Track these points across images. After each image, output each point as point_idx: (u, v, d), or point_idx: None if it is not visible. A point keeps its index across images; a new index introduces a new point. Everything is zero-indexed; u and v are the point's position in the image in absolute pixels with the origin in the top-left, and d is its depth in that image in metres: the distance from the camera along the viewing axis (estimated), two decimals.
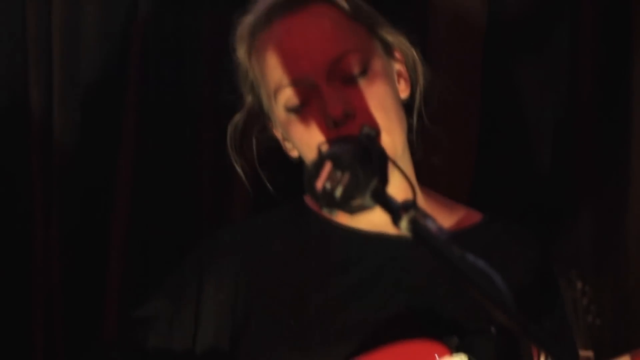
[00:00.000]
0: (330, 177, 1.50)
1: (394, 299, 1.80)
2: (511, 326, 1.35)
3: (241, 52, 1.89)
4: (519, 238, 1.95)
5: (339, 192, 1.50)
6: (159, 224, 2.56)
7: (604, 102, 2.53)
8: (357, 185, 1.49)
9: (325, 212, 1.82)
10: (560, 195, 2.54)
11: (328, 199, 1.51)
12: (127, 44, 2.55)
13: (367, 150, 1.56)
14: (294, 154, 1.90)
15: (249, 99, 1.92)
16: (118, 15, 2.56)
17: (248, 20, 1.88)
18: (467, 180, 2.52)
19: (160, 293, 1.93)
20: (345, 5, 1.84)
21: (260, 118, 1.93)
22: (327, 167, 1.50)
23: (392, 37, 1.88)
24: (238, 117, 1.95)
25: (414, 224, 1.44)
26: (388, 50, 1.88)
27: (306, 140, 1.80)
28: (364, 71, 1.80)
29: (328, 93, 1.77)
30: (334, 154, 1.51)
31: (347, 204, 1.50)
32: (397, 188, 1.68)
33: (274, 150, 1.95)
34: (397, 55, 1.89)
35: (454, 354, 1.74)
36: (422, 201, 1.89)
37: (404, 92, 1.90)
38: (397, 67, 1.89)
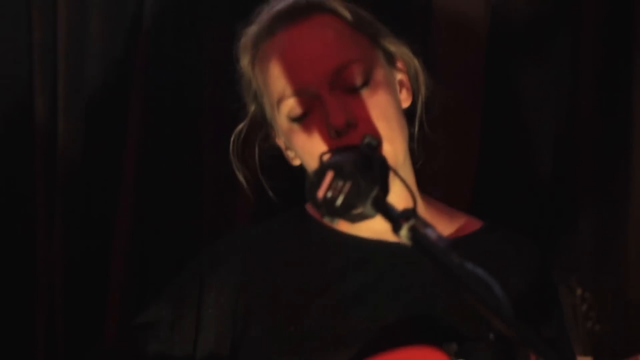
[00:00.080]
0: (331, 186, 1.52)
1: (393, 306, 1.81)
2: (509, 334, 1.36)
3: (244, 62, 1.91)
4: (519, 246, 1.95)
5: (340, 201, 1.52)
6: (162, 230, 2.57)
7: (605, 110, 2.54)
8: (358, 194, 1.51)
9: (326, 220, 1.84)
10: (560, 202, 2.55)
11: (329, 208, 1.52)
12: (130, 53, 2.56)
13: (368, 159, 1.58)
14: (296, 162, 1.91)
15: (252, 108, 1.94)
16: (122, 25, 2.57)
17: (251, 31, 1.89)
18: (468, 187, 2.53)
19: (161, 299, 1.94)
20: (347, 15, 1.86)
21: (263, 127, 1.94)
22: (329, 176, 1.52)
23: (394, 47, 1.90)
24: (241, 126, 1.96)
25: (414, 232, 1.46)
26: (390, 59, 1.89)
27: (308, 150, 1.81)
28: (366, 81, 1.81)
29: (330, 103, 1.78)
30: (336, 164, 1.53)
31: (348, 213, 1.52)
32: (398, 196, 1.69)
33: (276, 159, 1.96)
34: (399, 64, 1.91)
35: None
36: (422, 209, 1.90)
37: (405, 102, 1.91)
38: (399, 76, 1.91)
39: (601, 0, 2.54)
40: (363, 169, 1.54)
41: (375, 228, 1.78)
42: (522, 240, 1.97)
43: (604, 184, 2.55)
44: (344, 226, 1.86)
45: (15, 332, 2.57)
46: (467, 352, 1.73)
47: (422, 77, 1.93)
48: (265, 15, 1.88)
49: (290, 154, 1.91)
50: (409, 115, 1.91)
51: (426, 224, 1.47)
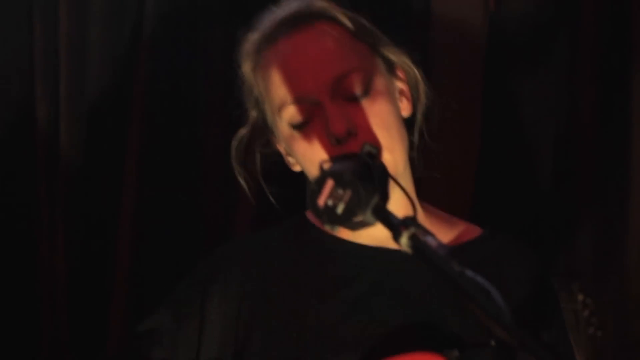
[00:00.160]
0: (332, 194, 1.53)
1: (394, 313, 1.81)
2: (510, 341, 1.37)
3: (246, 68, 1.91)
4: (518, 252, 1.96)
5: (340, 208, 1.52)
6: (164, 234, 2.58)
7: (604, 116, 2.54)
8: (358, 202, 1.52)
9: (327, 228, 1.85)
10: (561, 209, 2.55)
11: (330, 216, 1.53)
12: (131, 59, 2.57)
13: (368, 167, 1.59)
14: (296, 168, 1.92)
15: (253, 114, 1.94)
16: (123, 31, 2.58)
17: (254, 37, 1.90)
18: (468, 193, 2.54)
19: (164, 307, 1.94)
20: (349, 24, 1.86)
21: (264, 132, 1.95)
22: (329, 184, 1.53)
23: (395, 56, 1.90)
24: (242, 132, 1.97)
25: (414, 240, 1.47)
26: (390, 68, 1.90)
27: (309, 157, 1.82)
28: (367, 90, 1.82)
29: (331, 111, 1.79)
30: (336, 172, 1.54)
31: (349, 220, 1.53)
32: (398, 204, 1.70)
33: (277, 164, 1.97)
34: (400, 73, 1.92)
35: None
36: (421, 217, 1.91)
37: (405, 110, 1.92)
38: (399, 85, 1.91)
39: (599, 5, 2.54)
40: (363, 177, 1.55)
41: (376, 235, 1.79)
42: (521, 246, 1.98)
43: (604, 189, 2.55)
44: (344, 233, 1.86)
45: (19, 337, 2.58)
46: (468, 359, 1.74)
47: (422, 87, 1.93)
48: (267, 22, 1.88)
49: (290, 159, 1.92)
50: (408, 124, 1.91)
51: (426, 232, 1.48)
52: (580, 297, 2.12)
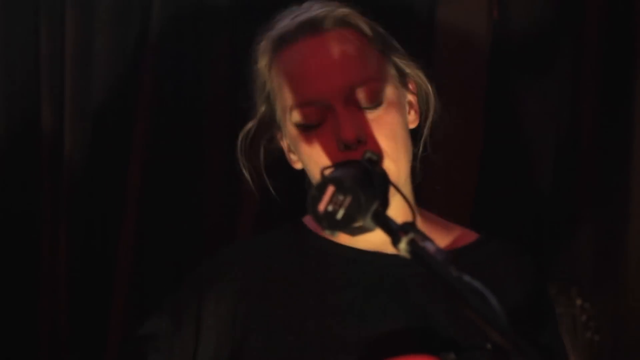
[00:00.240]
0: (332, 200, 1.55)
1: (390, 317, 1.82)
2: (506, 345, 1.39)
3: (262, 64, 1.91)
4: (513, 257, 1.97)
5: (340, 214, 1.54)
6: (166, 238, 2.59)
7: (605, 123, 2.56)
8: (358, 208, 1.54)
9: (326, 233, 1.87)
10: (560, 214, 2.57)
11: (330, 221, 1.55)
12: (136, 64, 2.59)
13: (368, 174, 1.61)
14: (298, 166, 1.93)
15: (262, 108, 1.94)
16: (128, 37, 2.59)
17: (273, 35, 1.90)
18: (469, 199, 2.55)
19: (160, 311, 1.95)
20: (369, 33, 1.87)
21: (270, 128, 1.95)
22: (330, 190, 1.55)
23: (410, 69, 1.92)
24: (250, 125, 1.97)
25: (413, 246, 1.49)
26: (402, 80, 1.91)
27: (315, 159, 1.83)
28: (380, 100, 1.83)
29: (343, 117, 1.80)
30: (336, 178, 1.56)
31: (349, 226, 1.55)
32: (397, 210, 1.71)
33: (279, 160, 1.98)
34: (411, 86, 1.93)
35: None
36: (419, 222, 1.91)
37: (413, 123, 1.93)
38: (409, 97, 1.92)
39: (602, 14, 2.55)
40: (363, 183, 1.57)
41: (373, 240, 1.80)
42: (516, 250, 1.99)
43: (604, 194, 2.56)
44: (342, 238, 1.86)
45: (19, 338, 2.59)
46: None
47: (432, 103, 1.95)
48: (288, 21, 1.88)
49: (293, 157, 1.93)
50: (412, 134, 1.93)
51: (425, 237, 1.50)
52: (579, 302, 2.14)
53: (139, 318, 2.02)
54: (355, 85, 1.81)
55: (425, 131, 1.94)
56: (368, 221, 1.55)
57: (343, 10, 1.88)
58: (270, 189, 1.98)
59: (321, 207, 1.55)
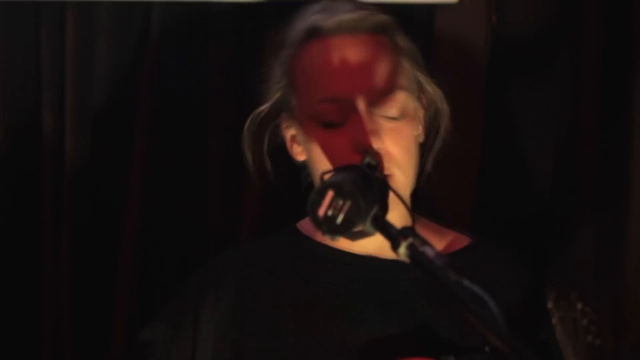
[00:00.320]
0: (332, 205, 1.56)
1: (389, 321, 1.83)
2: (504, 349, 1.40)
3: (289, 52, 1.90)
4: (506, 260, 1.97)
5: (340, 219, 1.55)
6: (168, 242, 2.60)
7: (605, 126, 2.56)
8: (357, 213, 1.55)
9: (318, 237, 1.88)
10: (560, 218, 2.57)
11: (330, 226, 1.56)
12: (137, 69, 2.59)
13: (368, 178, 1.62)
14: (300, 157, 1.93)
15: (277, 94, 1.93)
16: (129, 41, 2.60)
17: (307, 25, 1.89)
18: (469, 202, 2.56)
19: (157, 318, 1.96)
20: (403, 44, 1.89)
21: (277, 116, 1.95)
22: (329, 195, 1.56)
23: (430, 87, 1.93)
24: (262, 108, 1.96)
25: (412, 250, 1.50)
26: (419, 95, 1.92)
27: (328, 157, 1.82)
28: (403, 112, 1.85)
29: (368, 123, 1.80)
30: (336, 183, 1.57)
31: (348, 231, 1.56)
32: (395, 215, 1.72)
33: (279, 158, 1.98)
34: (424, 102, 1.94)
35: None
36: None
37: (421, 137, 1.94)
38: (421, 113, 1.94)
39: (602, 17, 2.56)
40: (363, 188, 1.57)
41: (369, 245, 1.81)
42: (510, 254, 1.99)
43: (604, 198, 2.56)
44: (337, 243, 1.87)
45: (22, 342, 2.59)
46: None
47: (445, 122, 1.95)
48: (325, 15, 1.87)
49: (297, 149, 1.92)
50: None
51: (424, 242, 1.51)
52: (579, 306, 2.14)
53: (142, 319, 2.04)
54: (384, 93, 1.82)
55: (434, 149, 1.95)
56: (367, 226, 1.56)
57: (382, 17, 1.89)
58: (271, 175, 1.98)
59: (321, 211, 1.56)
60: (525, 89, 2.58)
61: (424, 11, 2.54)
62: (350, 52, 1.84)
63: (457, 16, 2.53)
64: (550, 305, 1.76)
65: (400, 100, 1.85)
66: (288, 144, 1.94)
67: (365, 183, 1.60)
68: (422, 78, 1.92)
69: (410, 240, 1.50)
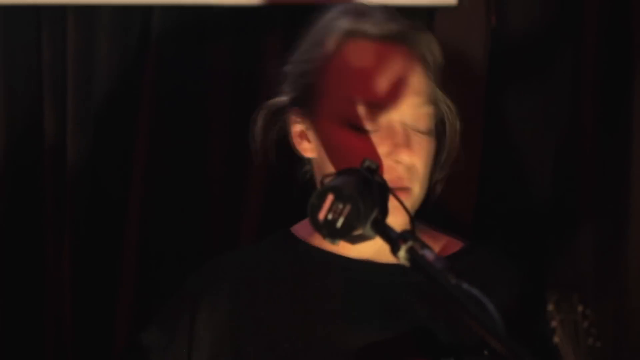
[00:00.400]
0: (332, 209, 1.56)
1: (386, 325, 1.83)
2: (503, 352, 1.40)
3: (322, 48, 1.88)
4: (499, 264, 1.98)
5: (340, 222, 1.55)
6: (170, 244, 2.60)
7: (605, 129, 2.56)
8: (357, 217, 1.55)
9: (313, 241, 1.88)
10: (560, 218, 2.58)
11: (330, 229, 1.56)
12: (138, 70, 2.60)
13: (368, 182, 1.62)
14: (309, 154, 1.92)
15: (297, 90, 1.91)
16: (129, 43, 2.61)
17: (348, 24, 1.87)
18: (469, 203, 2.56)
19: (152, 324, 1.96)
20: (433, 61, 1.90)
21: (289, 112, 1.93)
22: (329, 199, 1.56)
23: (447, 104, 1.94)
24: (280, 100, 1.94)
25: (412, 254, 1.51)
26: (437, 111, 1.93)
27: (353, 159, 1.77)
28: (431, 125, 1.86)
29: (402, 134, 1.81)
30: (336, 187, 1.57)
31: (348, 234, 1.56)
32: (398, 220, 1.72)
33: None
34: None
35: None
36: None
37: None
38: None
39: (601, 19, 2.56)
40: (363, 191, 1.58)
41: (365, 249, 1.81)
42: (502, 258, 2.00)
43: (604, 201, 2.57)
44: (333, 247, 1.86)
45: (25, 343, 2.60)
46: None
47: (457, 140, 1.96)
48: (369, 19, 1.87)
49: (306, 145, 1.91)
50: None
51: (424, 245, 1.52)
52: (580, 308, 2.14)
53: (144, 320, 2.04)
54: (417, 106, 1.83)
55: (445, 166, 1.95)
56: (367, 229, 1.56)
57: (429, 34, 1.91)
58: (275, 163, 1.98)
59: (321, 215, 1.56)
60: (525, 90, 2.58)
61: (424, 13, 2.54)
62: (392, 60, 1.84)
63: (457, 18, 2.53)
64: (551, 307, 1.76)
65: (428, 115, 1.86)
66: (295, 139, 1.92)
67: (365, 187, 1.60)
68: (440, 94, 1.92)
69: (410, 243, 1.51)
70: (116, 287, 2.59)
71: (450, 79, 1.94)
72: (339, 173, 1.70)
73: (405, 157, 1.80)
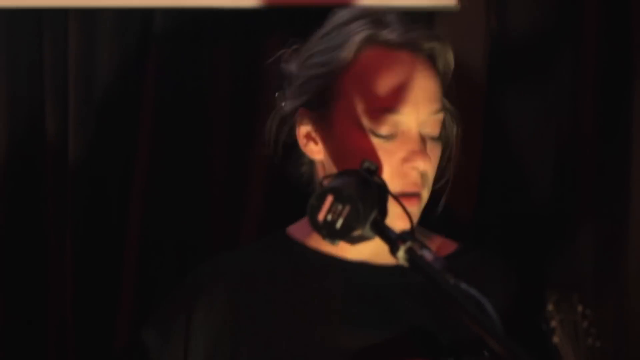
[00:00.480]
0: (331, 210, 1.57)
1: (384, 326, 1.84)
2: (501, 352, 1.41)
3: (350, 50, 1.88)
4: (493, 266, 1.99)
5: (339, 223, 1.57)
6: (171, 244, 2.61)
7: (605, 130, 2.56)
8: (357, 217, 1.56)
9: (309, 242, 1.89)
10: (561, 219, 2.58)
11: (330, 230, 1.57)
12: (139, 73, 2.60)
13: (367, 183, 1.63)
14: (316, 156, 1.92)
15: (311, 92, 1.92)
16: (131, 45, 2.61)
17: (370, 31, 1.89)
18: (470, 204, 2.57)
19: (148, 324, 1.97)
20: (445, 69, 1.92)
21: (299, 115, 1.94)
22: (329, 200, 1.57)
23: (451, 108, 1.96)
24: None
25: (411, 254, 1.52)
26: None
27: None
28: (441, 132, 1.88)
29: (420, 141, 1.83)
30: (335, 188, 1.58)
31: (348, 235, 1.57)
32: (394, 219, 1.73)
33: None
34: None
35: None
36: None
37: None
38: None
39: (602, 20, 2.56)
40: (362, 192, 1.59)
41: (362, 251, 1.83)
42: (495, 259, 2.01)
43: (604, 201, 2.57)
44: (329, 248, 1.89)
45: (27, 343, 2.60)
46: None
47: (457, 145, 1.97)
48: (391, 26, 1.89)
49: (313, 147, 1.92)
50: None
51: (423, 246, 1.53)
52: (580, 308, 2.15)
53: (146, 318, 2.05)
54: (432, 113, 1.85)
55: (447, 172, 1.96)
56: (367, 230, 1.57)
57: (445, 43, 1.92)
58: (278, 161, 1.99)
59: (320, 216, 1.57)
60: (525, 91, 2.59)
61: (424, 16, 2.54)
62: (411, 68, 1.86)
63: (457, 20, 2.53)
64: (550, 307, 1.76)
65: (440, 122, 1.88)
66: (301, 140, 1.93)
67: (365, 188, 1.61)
68: (445, 101, 1.94)
69: (409, 244, 1.52)
70: (117, 286, 2.59)
71: (452, 79, 1.96)
72: (339, 174, 1.72)
73: (421, 163, 1.82)
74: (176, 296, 1.96)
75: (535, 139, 2.58)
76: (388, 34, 1.88)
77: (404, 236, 1.53)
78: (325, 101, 1.89)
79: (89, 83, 2.61)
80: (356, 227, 1.57)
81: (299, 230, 1.94)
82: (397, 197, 1.71)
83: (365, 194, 1.59)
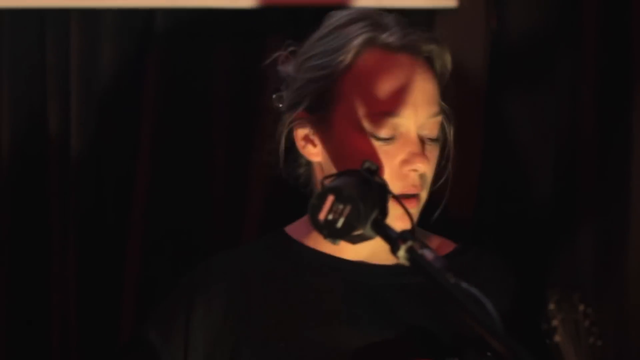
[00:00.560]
0: (332, 209, 1.57)
1: (383, 326, 1.84)
2: (503, 351, 1.41)
3: (349, 53, 1.87)
4: (491, 265, 1.98)
5: (340, 223, 1.57)
6: (174, 244, 2.62)
7: (605, 131, 2.57)
8: (358, 217, 1.56)
9: (308, 241, 1.89)
10: (561, 219, 2.59)
11: (330, 230, 1.57)
12: (141, 73, 2.61)
13: (368, 183, 1.63)
14: (314, 158, 1.92)
15: (311, 95, 1.90)
16: (133, 45, 2.62)
17: (369, 33, 1.87)
18: (470, 205, 2.57)
19: (148, 323, 1.96)
20: (442, 72, 1.91)
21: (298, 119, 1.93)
22: (329, 199, 1.57)
23: (445, 112, 1.94)
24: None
25: (412, 253, 1.52)
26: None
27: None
28: (439, 134, 1.88)
29: (419, 144, 1.83)
30: (336, 188, 1.58)
31: (348, 234, 1.58)
32: (394, 219, 1.73)
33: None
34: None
35: None
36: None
37: None
38: None
39: (601, 21, 2.57)
40: (363, 192, 1.59)
41: (360, 250, 1.83)
42: (494, 259, 2.00)
43: (604, 201, 2.58)
44: (327, 248, 1.89)
45: (30, 342, 2.62)
46: None
47: (454, 147, 1.96)
48: (391, 29, 1.88)
49: (311, 149, 1.91)
50: None
51: (423, 245, 1.53)
52: (581, 307, 2.15)
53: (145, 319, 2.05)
54: (431, 116, 1.85)
55: (444, 173, 1.97)
56: (368, 229, 1.58)
57: (444, 46, 1.91)
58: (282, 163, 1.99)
59: (321, 216, 1.57)
60: (525, 91, 2.59)
61: (424, 16, 2.55)
62: (411, 71, 1.86)
63: (457, 20, 2.54)
64: (552, 307, 1.76)
65: (439, 125, 1.88)
66: (299, 142, 1.92)
67: (365, 188, 1.62)
68: (441, 102, 1.94)
69: (409, 243, 1.52)
70: (120, 285, 2.60)
71: (451, 80, 1.96)
72: (339, 174, 1.72)
73: (420, 165, 1.82)
74: (175, 295, 1.96)
75: (535, 139, 2.59)
76: (387, 37, 1.87)
77: (404, 235, 1.53)
78: (324, 104, 1.89)
79: (91, 82, 2.63)
80: (357, 226, 1.57)
81: (297, 229, 1.94)
82: (398, 197, 1.72)
83: (366, 194, 1.59)
